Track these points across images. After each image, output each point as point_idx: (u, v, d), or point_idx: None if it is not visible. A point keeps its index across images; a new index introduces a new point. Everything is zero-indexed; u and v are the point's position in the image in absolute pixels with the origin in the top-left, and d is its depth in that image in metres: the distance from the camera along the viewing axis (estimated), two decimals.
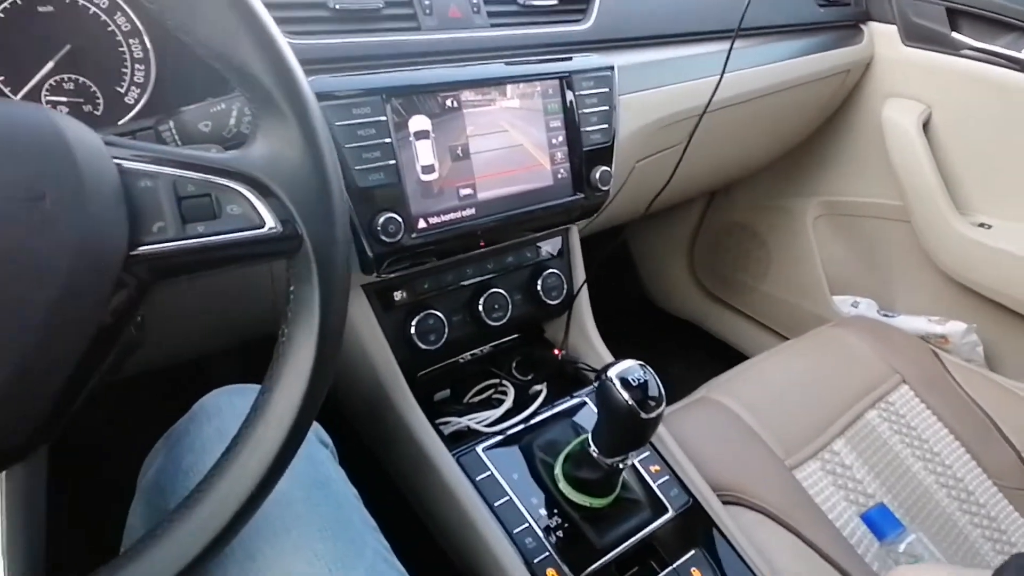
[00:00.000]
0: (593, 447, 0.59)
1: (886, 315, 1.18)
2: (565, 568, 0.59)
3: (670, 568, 0.61)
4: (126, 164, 0.31)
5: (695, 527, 0.65)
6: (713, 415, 0.81)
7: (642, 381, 0.55)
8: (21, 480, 0.31)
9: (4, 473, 0.30)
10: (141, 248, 0.30)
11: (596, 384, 0.56)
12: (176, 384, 0.99)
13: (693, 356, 1.55)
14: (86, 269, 0.28)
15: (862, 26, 1.13)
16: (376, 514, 0.52)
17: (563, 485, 0.63)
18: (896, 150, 1.11)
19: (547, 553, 0.60)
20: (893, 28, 1.11)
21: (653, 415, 0.54)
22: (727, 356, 1.49)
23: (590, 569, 0.60)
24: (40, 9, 0.52)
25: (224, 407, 0.52)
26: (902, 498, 0.77)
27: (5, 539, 0.30)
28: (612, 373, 0.55)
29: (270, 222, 0.33)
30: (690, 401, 0.85)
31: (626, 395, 0.54)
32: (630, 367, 0.56)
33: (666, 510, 0.66)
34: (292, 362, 0.35)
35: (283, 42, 0.34)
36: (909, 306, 1.20)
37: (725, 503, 0.69)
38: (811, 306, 1.32)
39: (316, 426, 0.55)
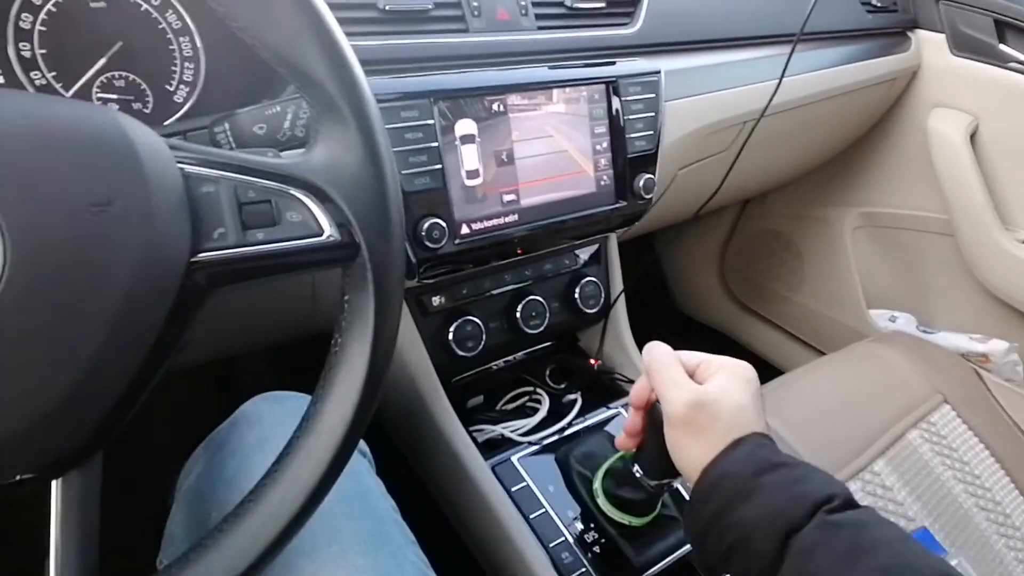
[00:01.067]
0: (637, 468, 0.57)
1: (925, 331, 1.15)
2: None
3: None
4: (188, 168, 0.30)
5: None
6: None
7: None
8: (77, 487, 0.30)
9: (60, 480, 0.30)
10: (201, 255, 0.30)
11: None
12: (205, 386, 1.00)
13: None
14: (149, 278, 0.28)
15: (909, 34, 1.10)
16: (412, 525, 0.51)
17: (602, 501, 0.61)
18: (941, 161, 1.08)
19: (584, 568, 0.59)
20: (941, 37, 1.08)
21: None
22: (758, 368, 1.45)
23: None
24: (92, 5, 0.52)
25: (265, 414, 0.51)
26: (943, 522, 0.74)
27: (60, 546, 0.30)
28: None
29: (328, 230, 0.33)
30: None
31: None
32: None
33: None
34: (345, 372, 0.34)
35: (348, 48, 0.34)
36: (949, 322, 1.17)
37: None
38: (846, 319, 1.29)
39: None
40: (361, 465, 0.52)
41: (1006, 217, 1.06)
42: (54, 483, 0.30)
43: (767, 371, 1.34)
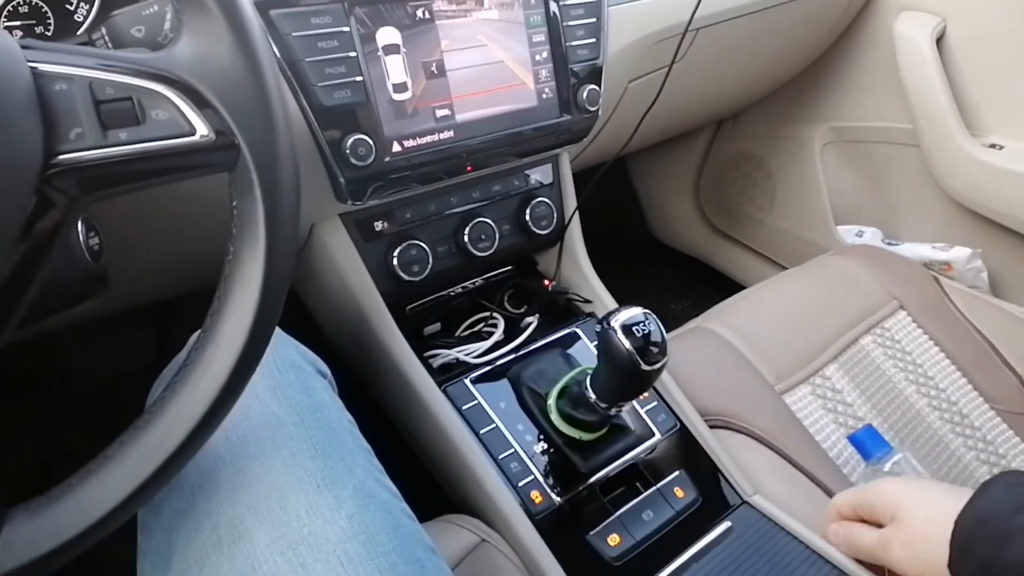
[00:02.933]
0: (591, 392, 0.57)
1: (890, 243, 1.15)
2: (550, 491, 0.60)
3: (654, 488, 0.62)
4: (41, 67, 0.28)
5: (680, 450, 0.65)
6: (706, 343, 0.80)
7: (646, 331, 0.52)
8: None
9: None
10: (60, 156, 0.28)
11: (597, 331, 0.54)
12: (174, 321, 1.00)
13: (696, 291, 1.53)
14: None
15: None
16: (382, 448, 0.51)
17: (555, 417, 0.62)
18: (907, 67, 1.05)
19: (532, 477, 0.60)
20: None
21: (655, 367, 0.52)
22: (731, 291, 1.46)
23: (575, 491, 0.60)
24: None
25: None
26: (892, 420, 0.76)
27: None
28: (615, 321, 0.53)
29: (202, 129, 0.31)
30: (683, 330, 0.84)
31: (627, 344, 0.51)
32: (634, 314, 0.53)
33: (652, 434, 0.66)
34: (240, 281, 0.34)
35: None
36: (915, 234, 1.16)
37: (712, 427, 0.68)
38: (816, 237, 1.29)
39: (314, 359, 0.55)
40: (317, 382, 0.52)
41: (972, 122, 1.04)
42: None
43: None
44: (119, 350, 0.98)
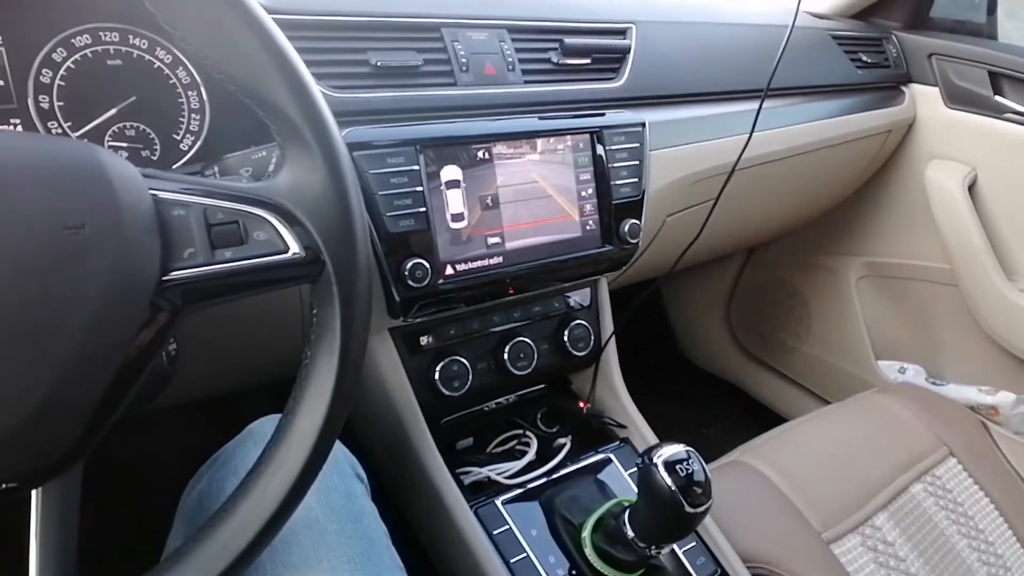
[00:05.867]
0: (629, 529, 0.55)
1: (934, 383, 1.13)
2: None
3: None
4: (161, 194, 0.33)
5: None
6: (745, 480, 0.77)
7: (689, 470, 0.51)
8: (56, 498, 0.32)
9: (40, 490, 0.31)
10: (173, 273, 0.32)
11: (639, 464, 0.53)
12: (209, 417, 1.01)
13: (729, 417, 1.50)
14: (120, 294, 0.30)
15: (903, 88, 1.13)
16: (402, 553, 0.51)
17: (589, 552, 0.60)
18: (941, 212, 1.08)
19: None
20: (935, 90, 1.11)
21: (700, 509, 0.51)
22: (765, 418, 1.43)
23: None
24: (109, 63, 0.56)
25: (271, 433, 0.53)
26: None
27: (39, 555, 0.31)
28: (656, 457, 0.52)
29: (294, 247, 0.35)
30: (722, 464, 0.82)
31: (670, 482, 0.50)
32: (676, 452, 0.52)
33: None
34: (314, 384, 0.36)
35: (309, 77, 0.37)
36: (959, 374, 1.14)
37: (756, 575, 0.65)
38: (855, 370, 1.27)
39: (353, 461, 0.56)
40: (358, 487, 0.53)
41: (1008, 266, 1.05)
42: (34, 493, 0.31)
43: (774, 422, 1.32)
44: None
